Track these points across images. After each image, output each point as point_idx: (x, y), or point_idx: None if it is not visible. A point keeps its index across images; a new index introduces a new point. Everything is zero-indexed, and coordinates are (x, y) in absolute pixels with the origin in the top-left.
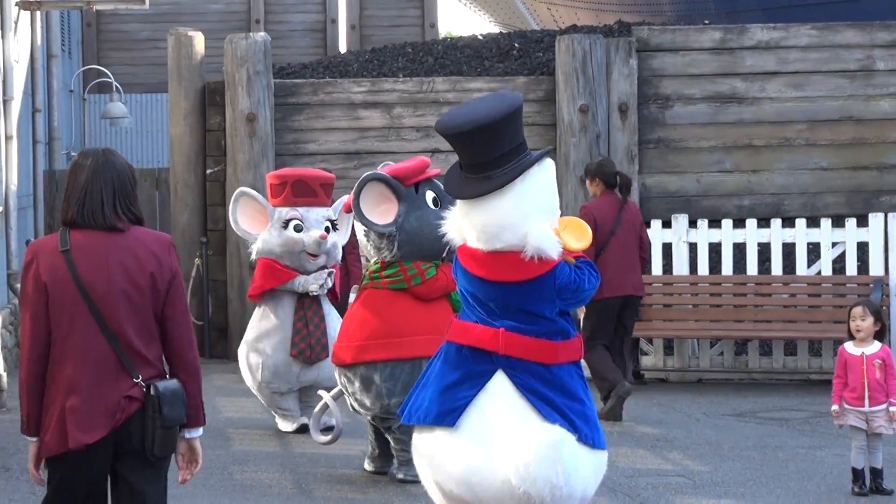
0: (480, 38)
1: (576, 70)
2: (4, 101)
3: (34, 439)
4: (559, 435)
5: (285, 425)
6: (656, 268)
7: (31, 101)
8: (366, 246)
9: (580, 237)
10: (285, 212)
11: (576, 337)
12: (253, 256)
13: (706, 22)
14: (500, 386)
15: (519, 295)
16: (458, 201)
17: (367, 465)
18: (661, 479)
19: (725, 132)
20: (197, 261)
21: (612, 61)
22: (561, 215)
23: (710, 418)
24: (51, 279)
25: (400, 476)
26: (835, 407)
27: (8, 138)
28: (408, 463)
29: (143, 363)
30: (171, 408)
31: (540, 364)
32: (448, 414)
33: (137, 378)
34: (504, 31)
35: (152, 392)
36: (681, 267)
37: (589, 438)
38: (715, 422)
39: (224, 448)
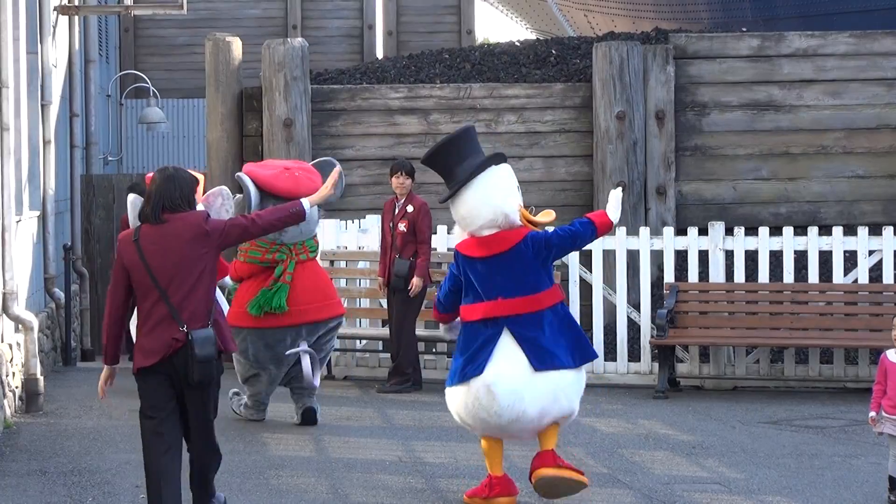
0: (518, 44)
1: (613, 77)
2: (43, 106)
3: (110, 367)
4: (556, 379)
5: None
6: (692, 275)
7: (68, 105)
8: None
9: (545, 215)
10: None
11: (554, 286)
12: None
13: (744, 29)
14: (507, 340)
15: (507, 261)
16: (450, 205)
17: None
18: (696, 487)
19: (762, 140)
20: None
21: (650, 68)
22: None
23: (745, 426)
24: (128, 261)
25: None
26: (872, 414)
27: (46, 143)
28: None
29: (187, 314)
30: (201, 348)
31: (531, 313)
32: (475, 370)
33: (182, 326)
34: (541, 38)
35: (190, 337)
36: (717, 274)
37: (564, 363)
38: (750, 429)
39: (260, 453)
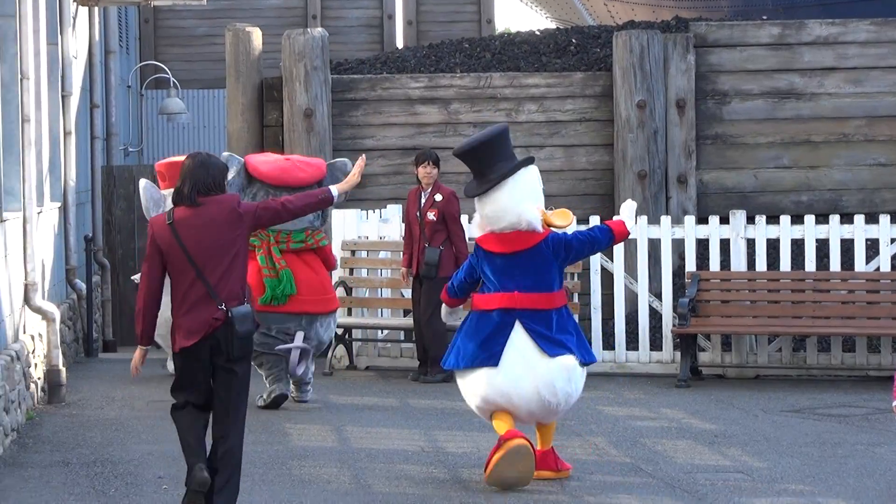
0: (538, 33)
1: (633, 66)
2: (63, 97)
3: (142, 348)
4: (570, 362)
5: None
6: (714, 264)
7: (88, 96)
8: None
9: (563, 218)
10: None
11: (562, 289)
12: None
13: (764, 17)
14: (519, 331)
15: (525, 259)
16: (475, 200)
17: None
18: (719, 476)
19: (783, 128)
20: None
21: (670, 57)
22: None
23: (768, 415)
24: (163, 243)
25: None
26: (895, 402)
27: (66, 134)
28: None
29: (225, 293)
30: (241, 324)
31: (543, 310)
32: (490, 357)
33: (221, 305)
34: (561, 27)
35: (230, 314)
36: (738, 263)
37: (581, 358)
38: (773, 418)
39: (283, 443)
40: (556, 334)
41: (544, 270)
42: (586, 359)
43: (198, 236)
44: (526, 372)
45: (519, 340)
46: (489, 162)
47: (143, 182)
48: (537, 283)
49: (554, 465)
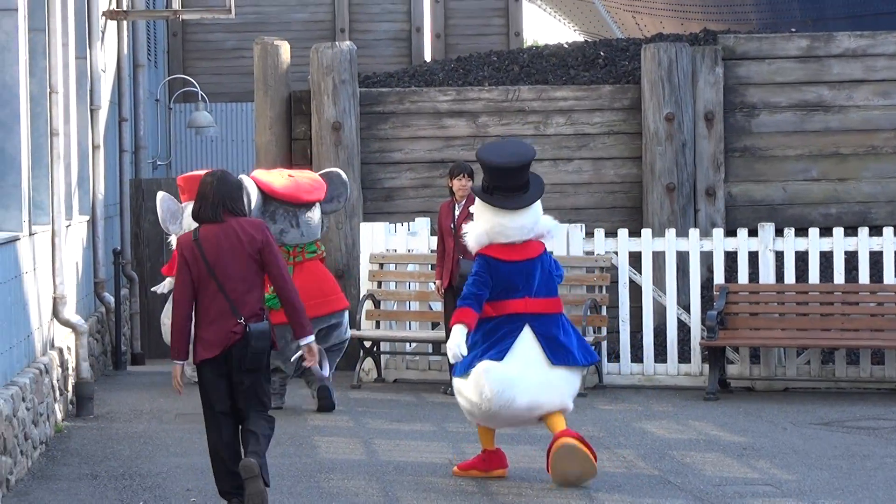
0: (566, 46)
1: (661, 78)
2: (92, 111)
3: (179, 363)
4: (567, 373)
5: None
6: (742, 276)
7: (117, 110)
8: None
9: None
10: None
11: (559, 296)
12: None
13: (792, 30)
14: (527, 334)
15: (537, 264)
16: (496, 211)
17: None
18: (747, 488)
19: (812, 140)
20: None
21: (698, 69)
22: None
23: (796, 427)
24: (190, 258)
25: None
26: None
27: (95, 147)
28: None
29: (245, 308)
30: (257, 340)
31: (551, 314)
32: (497, 354)
33: (240, 319)
34: (589, 40)
35: (248, 329)
36: (767, 275)
37: (579, 360)
38: (802, 431)
39: (311, 456)
40: (564, 337)
41: (548, 278)
42: (588, 359)
43: (220, 252)
44: (525, 370)
45: (525, 344)
46: (526, 176)
47: (160, 194)
48: (543, 289)
49: (577, 435)
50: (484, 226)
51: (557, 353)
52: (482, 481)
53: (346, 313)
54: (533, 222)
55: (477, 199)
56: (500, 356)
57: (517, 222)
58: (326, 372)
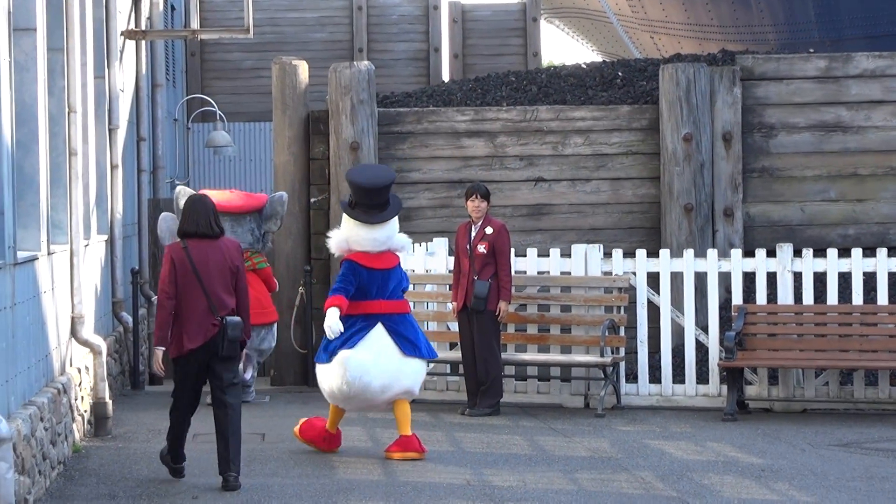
0: (584, 66)
1: (679, 99)
2: (110, 131)
3: (161, 349)
4: (416, 363)
5: None
6: (760, 297)
7: (135, 130)
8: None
9: None
10: None
11: (406, 299)
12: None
13: (811, 50)
14: (379, 330)
15: (391, 274)
16: (356, 223)
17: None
18: None
19: (830, 161)
20: (301, 289)
21: (716, 90)
22: None
23: (815, 448)
24: (178, 261)
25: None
26: None
27: (113, 167)
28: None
29: (223, 308)
30: (232, 330)
31: (400, 314)
32: (352, 344)
33: (218, 316)
34: (607, 60)
35: (223, 322)
36: (785, 296)
37: (425, 354)
38: (820, 452)
39: (329, 476)
40: (412, 334)
41: (399, 284)
42: (430, 354)
43: (206, 260)
44: (378, 358)
45: (376, 337)
46: (387, 194)
47: (164, 213)
48: (395, 293)
49: (419, 446)
50: (345, 234)
51: (407, 346)
52: (499, 503)
53: (275, 326)
54: (387, 237)
55: (343, 211)
56: (354, 346)
57: (372, 235)
58: (248, 375)
